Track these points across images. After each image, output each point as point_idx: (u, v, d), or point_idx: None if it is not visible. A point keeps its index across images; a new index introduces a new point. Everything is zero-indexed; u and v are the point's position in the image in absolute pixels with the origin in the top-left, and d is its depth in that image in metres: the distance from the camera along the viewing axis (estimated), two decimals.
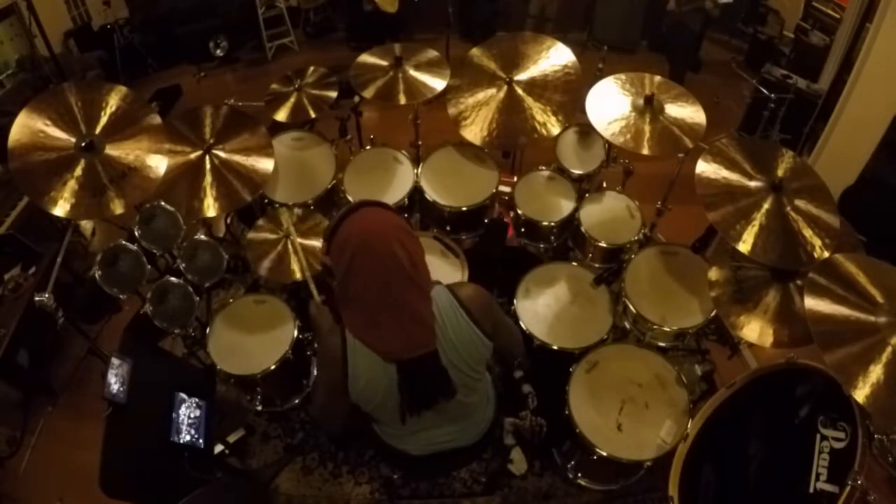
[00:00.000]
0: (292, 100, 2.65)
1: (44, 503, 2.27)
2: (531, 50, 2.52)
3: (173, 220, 2.22)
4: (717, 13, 4.39)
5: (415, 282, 1.30)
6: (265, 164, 2.29)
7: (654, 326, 2.08)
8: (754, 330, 1.81)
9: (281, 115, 2.62)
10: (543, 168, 2.69)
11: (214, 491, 1.78)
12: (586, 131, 2.71)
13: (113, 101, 2.09)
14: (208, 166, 2.26)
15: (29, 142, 1.94)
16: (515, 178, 2.70)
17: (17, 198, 3.02)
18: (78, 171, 1.97)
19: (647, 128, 2.22)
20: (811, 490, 1.40)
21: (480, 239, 2.65)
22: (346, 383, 1.31)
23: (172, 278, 2.15)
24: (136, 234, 2.15)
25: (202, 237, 2.31)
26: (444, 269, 2.29)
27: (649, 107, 2.26)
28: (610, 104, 2.31)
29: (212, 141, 2.28)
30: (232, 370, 2.04)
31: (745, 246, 1.75)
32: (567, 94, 2.41)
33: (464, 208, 2.48)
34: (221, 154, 2.28)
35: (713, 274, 1.95)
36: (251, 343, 2.13)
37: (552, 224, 2.49)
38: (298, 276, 2.12)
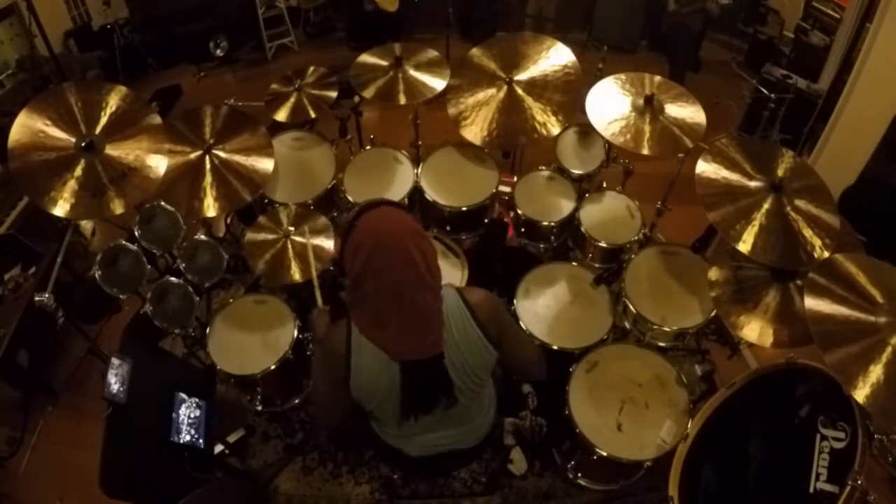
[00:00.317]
0: (292, 100, 2.65)
1: (44, 503, 2.27)
2: (531, 50, 2.52)
3: (173, 220, 2.22)
4: (717, 13, 4.39)
5: (428, 283, 1.30)
6: (265, 164, 2.29)
7: (654, 326, 2.08)
8: (754, 330, 1.81)
9: (281, 115, 2.62)
10: (543, 168, 2.69)
11: (214, 491, 1.78)
12: (586, 131, 2.71)
13: (113, 101, 2.09)
14: (208, 166, 2.26)
15: (29, 142, 1.94)
16: (515, 178, 2.70)
17: (17, 198, 3.02)
18: (78, 171, 1.97)
19: (647, 128, 2.22)
20: (811, 490, 1.40)
21: (480, 239, 2.65)
22: (349, 379, 1.32)
23: (172, 278, 2.15)
24: (136, 234, 2.15)
25: (202, 237, 2.31)
26: (445, 269, 2.25)
27: (649, 107, 2.26)
28: (610, 104, 2.31)
29: (212, 141, 2.28)
30: (232, 370, 2.04)
31: (745, 246, 1.75)
32: (567, 94, 2.41)
33: (464, 208, 2.48)
34: (221, 154, 2.28)
35: (713, 274, 1.95)
36: (251, 343, 2.13)
37: (552, 224, 2.49)
38: (298, 277, 2.12)
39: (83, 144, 1.99)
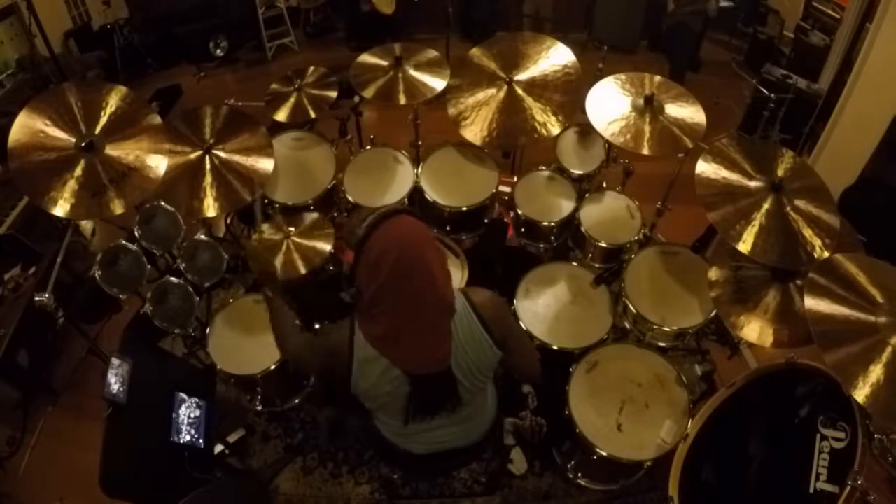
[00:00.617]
0: (292, 100, 2.65)
1: (44, 503, 2.27)
2: (531, 50, 2.52)
3: (173, 220, 2.22)
4: (716, 14, 4.39)
5: (445, 299, 1.29)
6: (265, 164, 2.29)
7: (654, 326, 2.08)
8: (754, 330, 1.81)
9: (281, 115, 2.62)
10: (543, 168, 2.69)
11: (214, 491, 1.78)
12: (586, 131, 2.71)
13: (113, 101, 2.09)
14: (208, 166, 2.25)
15: (29, 142, 1.94)
16: (515, 178, 2.70)
17: (17, 198, 3.02)
18: (78, 171, 1.96)
19: (647, 128, 2.22)
20: (811, 490, 1.40)
21: (480, 239, 2.65)
22: (349, 378, 1.31)
23: (172, 278, 2.16)
24: (136, 234, 2.15)
25: (202, 237, 2.31)
26: None
27: (649, 107, 2.26)
28: (610, 104, 2.31)
29: (212, 141, 2.28)
30: (232, 370, 2.04)
31: (745, 246, 1.75)
32: (567, 94, 2.41)
33: (464, 208, 2.48)
34: (221, 154, 2.28)
35: (713, 274, 1.95)
36: (251, 343, 2.13)
37: (552, 224, 2.49)
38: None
39: (83, 144, 1.98)
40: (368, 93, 2.57)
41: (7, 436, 2.46)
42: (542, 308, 2.19)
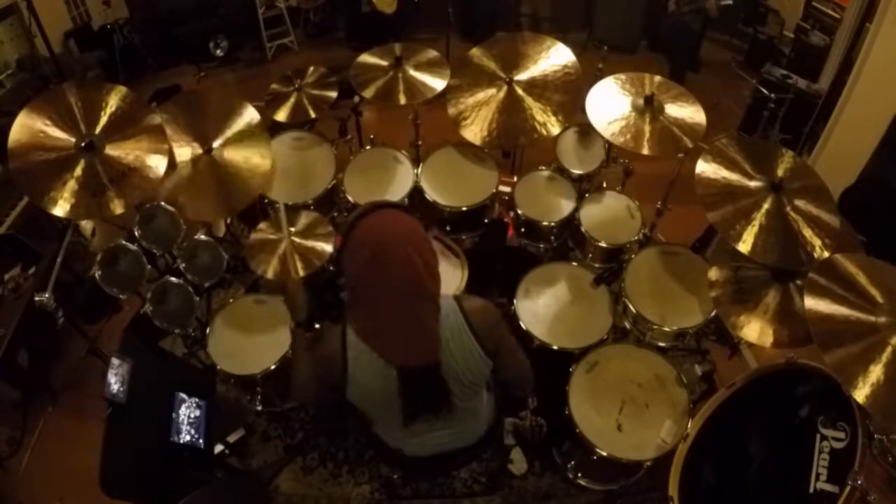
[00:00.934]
0: (292, 100, 2.65)
1: (44, 503, 2.27)
2: (531, 50, 2.52)
3: (173, 220, 2.22)
4: (716, 13, 4.39)
5: (428, 290, 1.28)
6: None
7: (654, 326, 2.08)
8: (754, 330, 1.81)
9: (281, 115, 2.62)
10: (543, 168, 2.69)
11: (214, 491, 1.78)
12: (586, 131, 2.71)
13: (113, 101, 2.09)
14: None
15: (29, 142, 1.94)
16: (515, 178, 2.69)
17: (17, 198, 3.02)
18: (78, 171, 1.97)
19: (647, 128, 2.22)
20: (811, 490, 1.40)
21: (480, 239, 2.65)
22: (346, 385, 1.31)
23: (172, 278, 2.16)
24: (136, 234, 2.16)
25: (202, 237, 2.31)
26: (445, 270, 2.27)
27: (649, 107, 2.26)
28: (610, 104, 2.31)
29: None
30: (232, 370, 2.04)
31: (745, 246, 1.75)
32: (567, 94, 2.41)
33: (464, 208, 2.48)
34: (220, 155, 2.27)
35: (713, 274, 1.95)
36: (251, 343, 2.13)
37: (552, 224, 2.49)
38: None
39: (83, 144, 1.98)
40: (368, 93, 2.57)
41: (7, 436, 2.47)
42: (542, 308, 2.19)
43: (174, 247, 2.22)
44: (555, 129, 2.40)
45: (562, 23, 5.36)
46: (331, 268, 2.22)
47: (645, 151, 2.17)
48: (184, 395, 1.87)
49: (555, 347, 2.06)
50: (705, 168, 1.89)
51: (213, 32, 5.06)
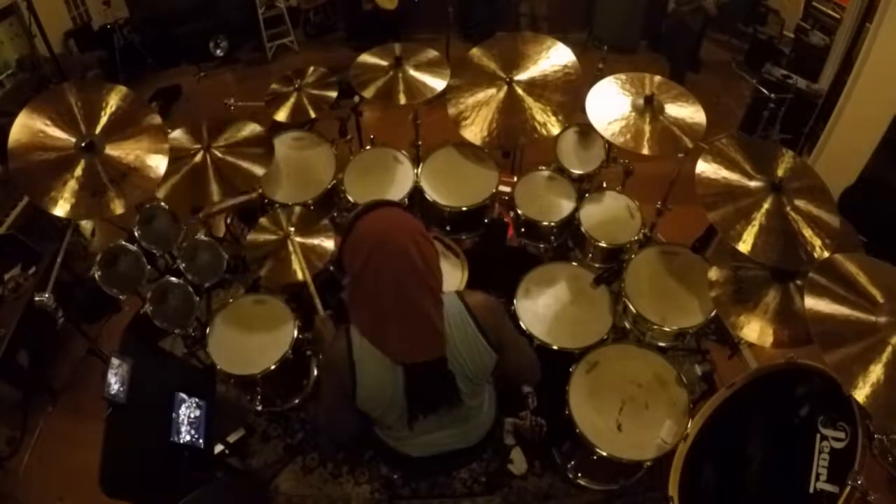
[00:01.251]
0: (292, 100, 2.65)
1: (44, 503, 2.27)
2: (531, 50, 2.51)
3: (173, 220, 2.22)
4: (715, 11, 4.39)
5: (428, 286, 1.29)
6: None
7: (654, 326, 2.08)
8: (754, 330, 1.81)
9: (281, 115, 2.61)
10: (543, 168, 2.69)
11: (214, 491, 1.78)
12: (586, 131, 2.71)
13: (113, 101, 2.09)
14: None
15: (29, 142, 1.94)
16: (515, 178, 2.69)
17: (17, 198, 3.02)
18: (78, 171, 1.96)
19: (647, 128, 2.22)
20: (811, 490, 1.40)
21: (480, 239, 2.65)
22: (355, 390, 1.30)
23: (172, 278, 2.16)
24: (136, 234, 2.16)
25: (202, 237, 2.31)
26: (445, 270, 2.26)
27: (649, 107, 2.26)
28: (610, 104, 2.31)
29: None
30: (232, 370, 2.04)
31: (745, 246, 1.74)
32: (567, 94, 2.41)
33: (464, 208, 2.48)
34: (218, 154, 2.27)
35: (713, 274, 1.95)
36: (251, 343, 2.13)
37: (552, 224, 2.49)
38: (300, 277, 2.12)
39: (83, 144, 1.98)
40: (368, 93, 2.56)
41: (7, 436, 2.47)
42: (542, 308, 2.19)
43: (174, 247, 2.22)
44: (555, 129, 2.40)
45: (562, 23, 5.37)
46: (331, 268, 2.22)
47: (645, 151, 2.17)
48: (184, 395, 1.86)
49: (555, 347, 2.06)
50: (705, 168, 1.89)
51: (212, 32, 5.07)
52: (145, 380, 1.73)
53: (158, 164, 2.08)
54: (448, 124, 2.49)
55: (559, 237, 2.58)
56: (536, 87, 2.44)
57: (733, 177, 1.87)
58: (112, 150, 2.04)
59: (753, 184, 1.85)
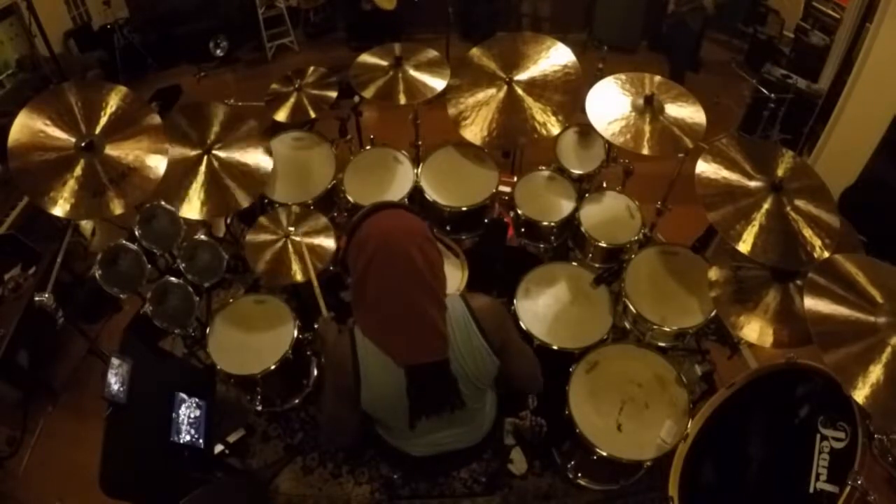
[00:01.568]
0: (292, 100, 2.65)
1: (44, 503, 2.27)
2: (531, 50, 2.52)
3: (173, 219, 2.22)
4: (713, 11, 4.39)
5: (431, 288, 1.28)
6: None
7: (654, 326, 2.08)
8: (754, 330, 1.81)
9: (281, 115, 2.62)
10: (543, 168, 2.69)
11: (214, 491, 1.78)
12: (586, 131, 2.71)
13: (113, 101, 2.09)
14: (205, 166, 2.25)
15: (29, 142, 1.94)
16: (515, 178, 2.69)
17: (17, 198, 3.02)
18: (78, 171, 1.96)
19: (647, 128, 2.22)
20: (811, 490, 1.40)
21: (480, 239, 2.65)
22: (359, 390, 1.30)
23: (172, 278, 2.15)
24: (136, 233, 2.15)
25: (202, 237, 2.31)
26: (445, 270, 2.28)
27: (649, 107, 2.26)
28: (610, 104, 2.31)
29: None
30: (232, 370, 2.04)
31: (745, 246, 1.75)
32: (567, 94, 2.41)
33: (464, 208, 2.48)
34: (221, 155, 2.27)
35: (713, 274, 1.95)
36: (251, 343, 2.13)
37: (552, 224, 2.49)
38: (300, 277, 2.12)
39: (83, 144, 1.98)
40: (368, 93, 2.56)
41: (7, 436, 2.47)
42: (542, 308, 2.19)
43: (174, 247, 2.22)
44: (555, 129, 2.40)
45: (562, 23, 5.36)
46: (331, 267, 2.22)
47: (645, 151, 2.17)
48: (184, 395, 1.87)
49: (555, 347, 2.06)
50: (705, 168, 1.89)
51: (213, 32, 5.06)
52: (145, 380, 1.73)
53: (158, 164, 2.08)
54: (448, 124, 2.49)
55: (559, 237, 2.58)
56: (536, 87, 2.44)
57: (733, 177, 1.87)
58: (112, 151, 2.04)
59: (753, 184, 1.85)
